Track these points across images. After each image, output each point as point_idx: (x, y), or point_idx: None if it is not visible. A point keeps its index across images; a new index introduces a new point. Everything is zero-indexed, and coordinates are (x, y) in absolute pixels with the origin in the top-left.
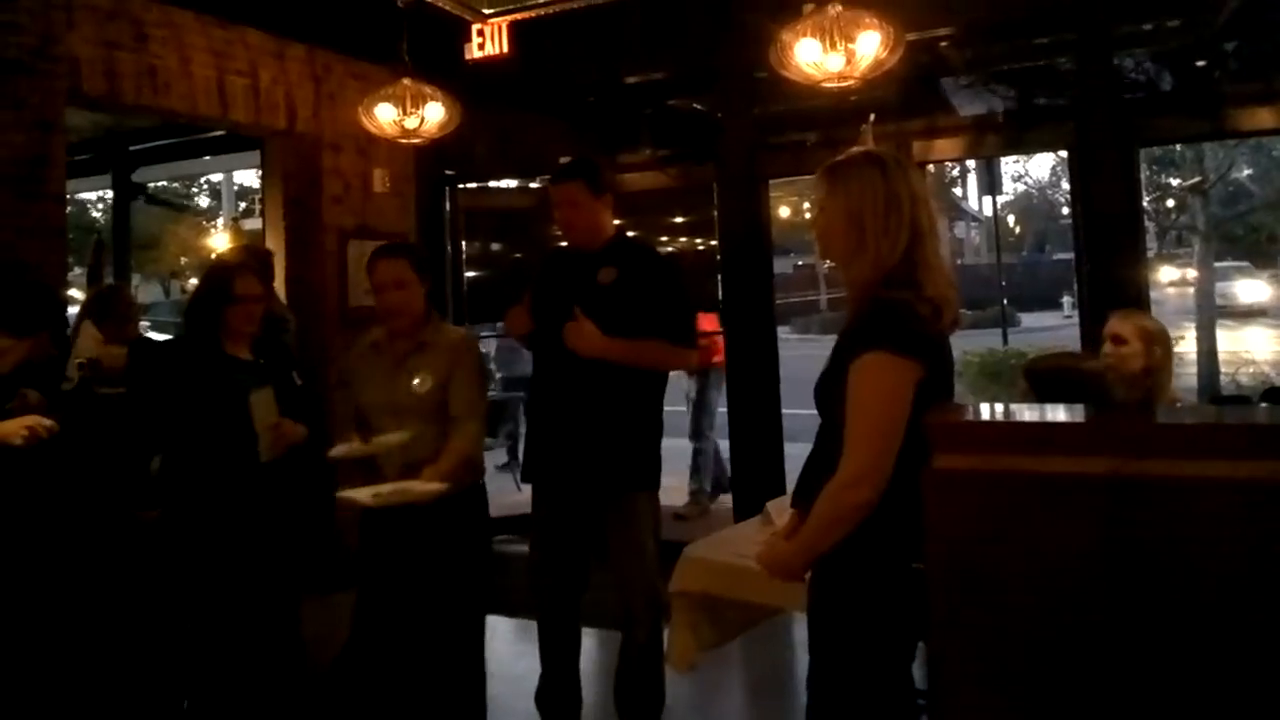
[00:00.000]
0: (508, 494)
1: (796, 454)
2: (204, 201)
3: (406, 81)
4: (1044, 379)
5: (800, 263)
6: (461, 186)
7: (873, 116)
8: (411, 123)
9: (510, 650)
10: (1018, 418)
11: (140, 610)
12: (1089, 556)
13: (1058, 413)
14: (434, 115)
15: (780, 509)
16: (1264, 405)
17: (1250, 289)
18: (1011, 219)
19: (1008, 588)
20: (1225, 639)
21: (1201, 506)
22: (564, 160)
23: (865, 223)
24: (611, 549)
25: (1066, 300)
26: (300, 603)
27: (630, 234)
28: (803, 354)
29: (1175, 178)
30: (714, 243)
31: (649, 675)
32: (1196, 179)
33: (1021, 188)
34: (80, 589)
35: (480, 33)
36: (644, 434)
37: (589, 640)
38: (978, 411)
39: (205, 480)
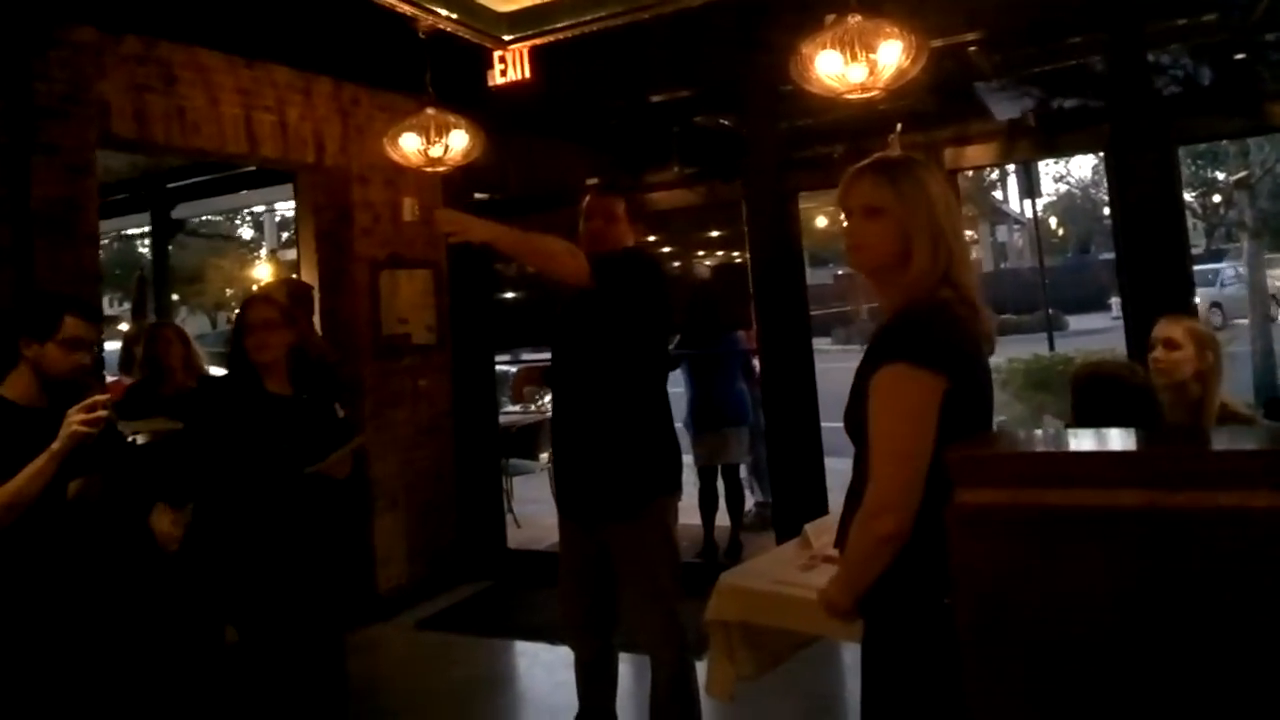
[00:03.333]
0: (550, 518)
1: (839, 469)
2: (247, 233)
3: (430, 111)
4: (1088, 392)
5: (840, 273)
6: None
7: (899, 126)
8: (436, 151)
9: (550, 680)
10: (1044, 449)
11: (182, 635)
12: (1125, 594)
13: (1087, 442)
14: (458, 143)
15: (819, 531)
16: None
17: None
18: (1054, 221)
19: (1040, 627)
20: (1274, 682)
21: (1246, 540)
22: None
23: (937, 232)
24: (620, 581)
25: (1115, 301)
26: (344, 634)
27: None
28: (845, 366)
29: (1221, 171)
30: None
31: (682, 705)
32: (1242, 173)
33: (1064, 188)
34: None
35: (502, 59)
36: (649, 443)
37: (626, 667)
38: (1002, 443)
39: (246, 513)
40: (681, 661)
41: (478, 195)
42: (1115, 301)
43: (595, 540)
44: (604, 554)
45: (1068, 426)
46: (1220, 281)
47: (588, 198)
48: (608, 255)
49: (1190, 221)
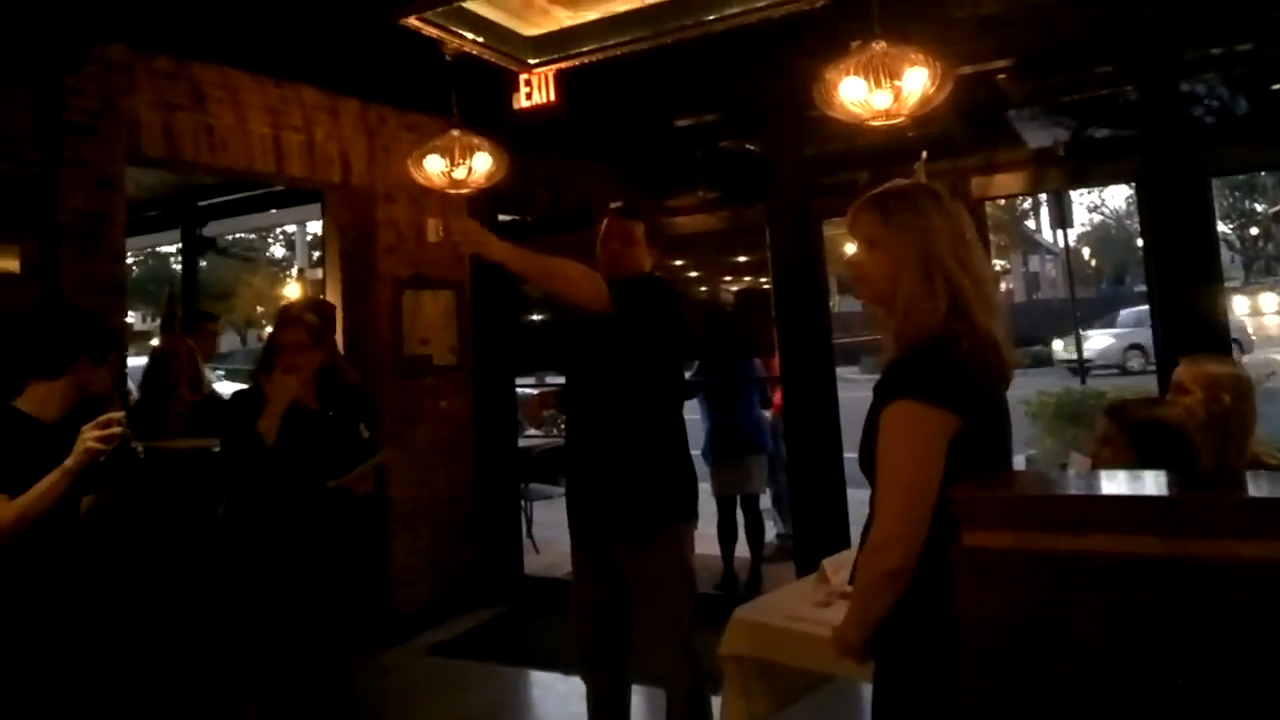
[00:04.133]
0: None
1: (862, 499)
2: (279, 251)
3: (455, 133)
4: (1143, 431)
5: None
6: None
7: (924, 154)
8: (460, 173)
9: (562, 711)
10: (1054, 491)
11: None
12: (1136, 645)
13: (1100, 484)
14: (481, 166)
15: (836, 566)
16: None
17: None
18: (1087, 251)
19: (1045, 675)
20: None
21: (1268, 593)
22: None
23: (933, 261)
24: (637, 610)
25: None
26: (351, 657)
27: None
28: (863, 396)
29: (1260, 203)
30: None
31: None
32: None
33: (1098, 218)
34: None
35: (527, 82)
36: (652, 475)
37: (637, 699)
38: (1010, 484)
39: (268, 523)
40: (698, 694)
41: (502, 216)
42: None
43: (609, 568)
44: (618, 583)
45: (1095, 465)
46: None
47: (605, 220)
48: (627, 281)
49: (1228, 254)
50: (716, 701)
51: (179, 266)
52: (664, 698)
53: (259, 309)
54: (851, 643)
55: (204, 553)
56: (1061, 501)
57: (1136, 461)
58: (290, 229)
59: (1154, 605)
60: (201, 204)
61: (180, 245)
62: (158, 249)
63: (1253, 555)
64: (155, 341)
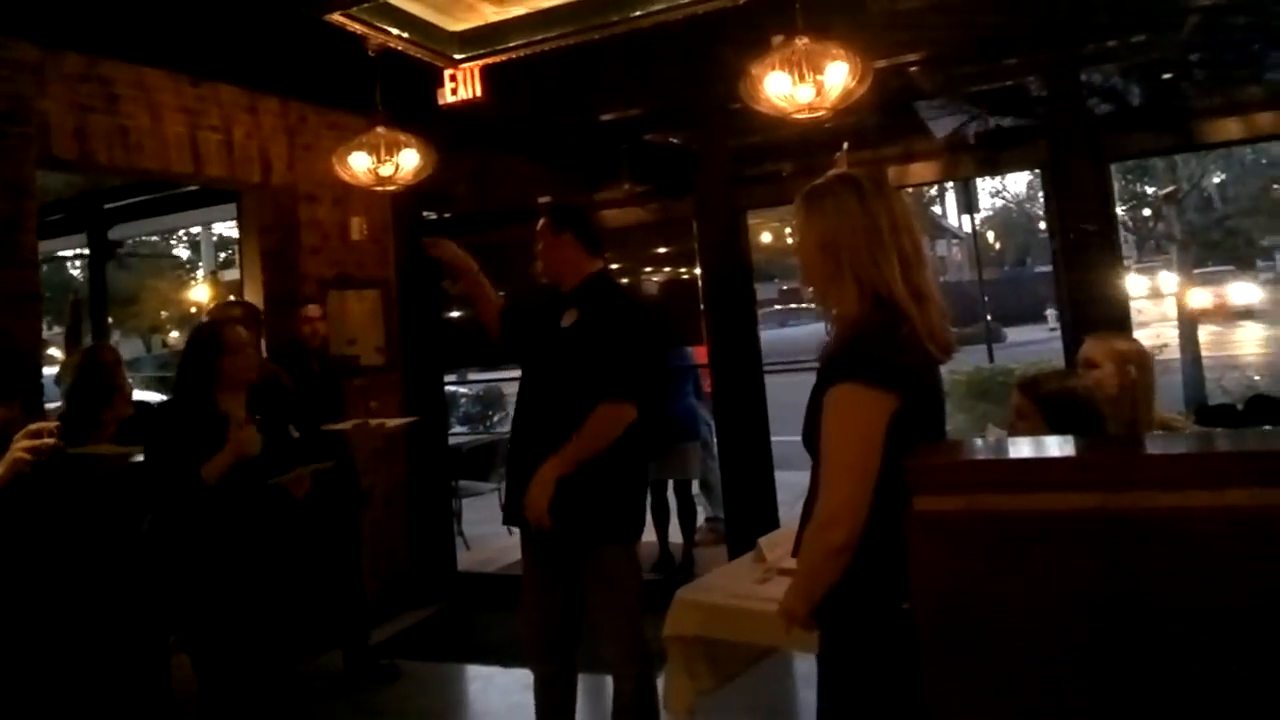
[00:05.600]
0: (499, 540)
1: (789, 482)
2: (183, 253)
3: (380, 130)
4: (1053, 402)
5: (785, 287)
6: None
7: (846, 145)
8: (386, 170)
9: (505, 702)
10: (998, 456)
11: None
12: (1080, 595)
13: (1039, 448)
14: (408, 162)
15: (772, 544)
16: (1250, 430)
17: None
18: (991, 235)
19: (999, 631)
20: (1224, 672)
21: (1190, 538)
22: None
23: (841, 249)
24: (589, 604)
25: (1051, 313)
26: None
27: (607, 275)
28: (789, 380)
29: (1150, 186)
30: (698, 271)
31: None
32: (1171, 188)
33: (1000, 202)
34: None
35: (453, 78)
36: (613, 484)
37: (585, 686)
38: (958, 451)
39: (204, 532)
40: (647, 676)
41: (426, 214)
42: (1051, 313)
43: (565, 566)
44: (573, 577)
45: (1010, 434)
46: None
47: (541, 221)
48: (622, 344)
49: (1122, 235)
50: (660, 683)
51: (77, 272)
52: (607, 683)
53: (163, 314)
54: (798, 614)
55: (127, 565)
56: (1008, 465)
57: (1048, 431)
58: (195, 230)
59: (1089, 554)
60: (108, 207)
61: (82, 250)
62: (55, 254)
63: (1169, 505)
64: (54, 350)
